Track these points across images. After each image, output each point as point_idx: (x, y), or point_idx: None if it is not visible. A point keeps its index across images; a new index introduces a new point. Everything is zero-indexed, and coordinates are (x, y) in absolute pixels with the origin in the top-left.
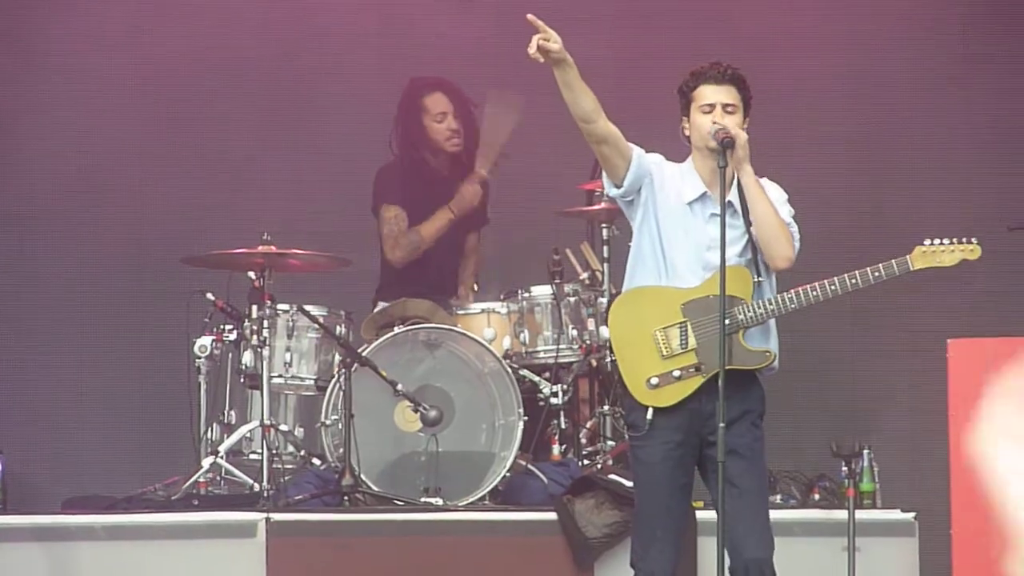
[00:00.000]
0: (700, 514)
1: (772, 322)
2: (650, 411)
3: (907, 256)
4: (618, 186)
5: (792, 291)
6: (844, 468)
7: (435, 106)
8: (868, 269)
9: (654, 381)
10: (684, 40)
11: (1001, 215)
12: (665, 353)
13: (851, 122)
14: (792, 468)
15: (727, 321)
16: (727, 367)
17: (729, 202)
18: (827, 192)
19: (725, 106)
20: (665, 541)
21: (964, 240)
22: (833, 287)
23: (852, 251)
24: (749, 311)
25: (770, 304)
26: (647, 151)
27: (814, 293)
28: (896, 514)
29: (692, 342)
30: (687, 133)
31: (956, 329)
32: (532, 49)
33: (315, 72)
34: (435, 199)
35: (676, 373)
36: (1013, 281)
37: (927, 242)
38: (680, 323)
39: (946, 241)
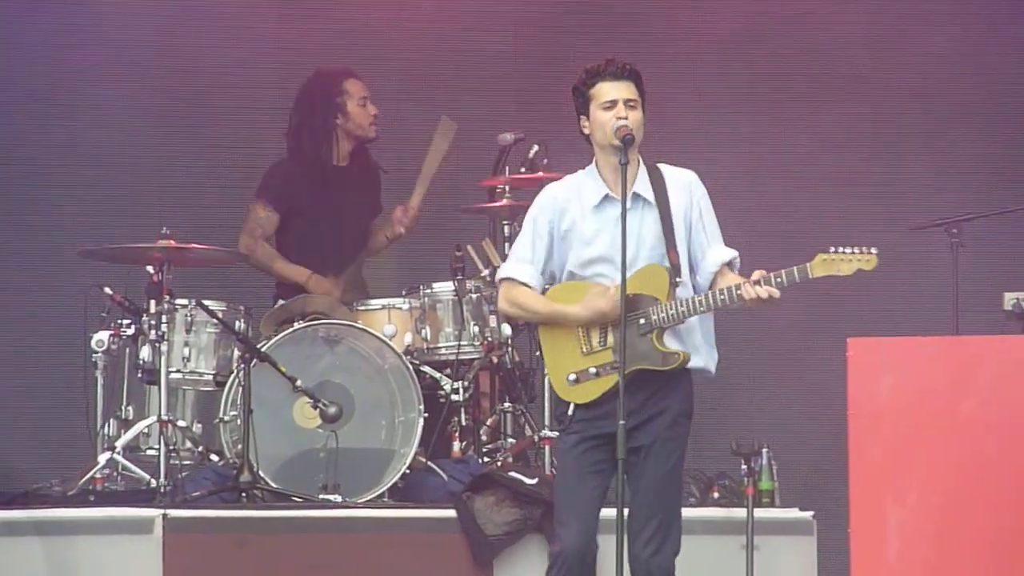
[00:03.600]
0: (604, 511)
1: (701, 324)
2: (571, 406)
3: (808, 264)
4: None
5: (702, 295)
6: (743, 467)
7: (358, 91)
8: (771, 275)
9: (572, 377)
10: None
11: (903, 215)
12: (585, 350)
13: (755, 125)
14: (692, 467)
15: (641, 320)
16: (639, 367)
17: (636, 194)
18: (735, 197)
19: (627, 101)
20: (577, 526)
21: (864, 249)
22: (738, 291)
23: (758, 255)
24: (662, 311)
25: (681, 306)
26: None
27: (721, 297)
28: (795, 513)
29: (611, 340)
30: (587, 132)
31: (856, 328)
32: None
33: (216, 66)
34: (332, 192)
35: (593, 370)
36: (914, 281)
37: (831, 249)
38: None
39: (847, 249)
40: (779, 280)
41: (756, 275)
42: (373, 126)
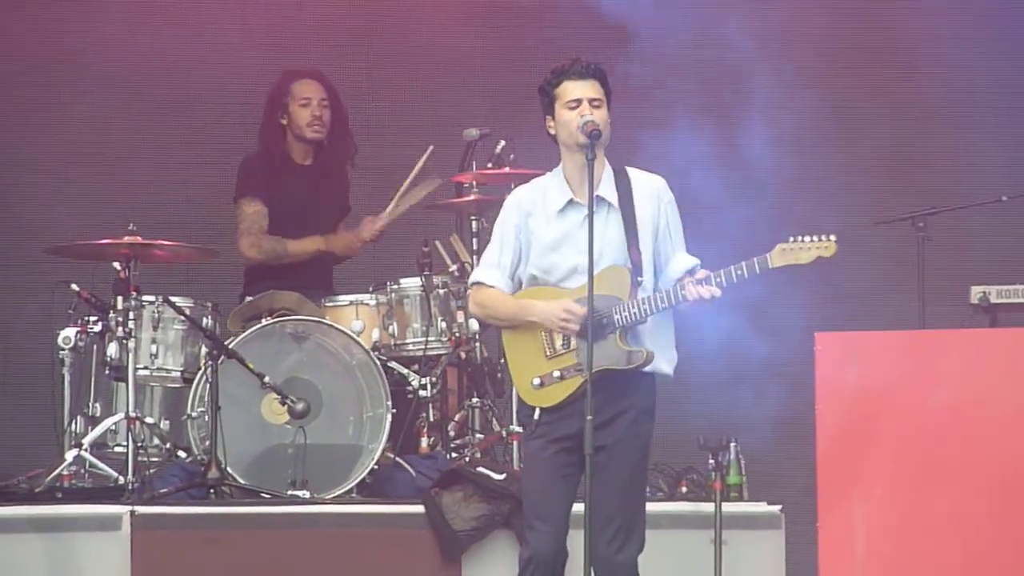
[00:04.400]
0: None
1: (659, 324)
2: (537, 410)
3: (767, 255)
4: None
5: (664, 291)
6: (711, 461)
7: (301, 92)
8: (732, 268)
9: (536, 382)
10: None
11: (869, 209)
12: (549, 354)
13: (718, 120)
14: (660, 461)
15: (603, 321)
16: (604, 367)
17: (600, 197)
18: (700, 191)
19: (591, 100)
20: (546, 532)
21: (823, 237)
22: (682, 290)
23: (724, 249)
24: (624, 311)
25: (643, 304)
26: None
27: (682, 292)
28: (762, 507)
29: (574, 342)
30: (552, 132)
31: (824, 322)
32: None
33: (184, 63)
34: (295, 190)
35: (557, 373)
36: (880, 275)
37: (790, 239)
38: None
39: (805, 238)
40: (739, 272)
41: (700, 274)
42: (312, 127)
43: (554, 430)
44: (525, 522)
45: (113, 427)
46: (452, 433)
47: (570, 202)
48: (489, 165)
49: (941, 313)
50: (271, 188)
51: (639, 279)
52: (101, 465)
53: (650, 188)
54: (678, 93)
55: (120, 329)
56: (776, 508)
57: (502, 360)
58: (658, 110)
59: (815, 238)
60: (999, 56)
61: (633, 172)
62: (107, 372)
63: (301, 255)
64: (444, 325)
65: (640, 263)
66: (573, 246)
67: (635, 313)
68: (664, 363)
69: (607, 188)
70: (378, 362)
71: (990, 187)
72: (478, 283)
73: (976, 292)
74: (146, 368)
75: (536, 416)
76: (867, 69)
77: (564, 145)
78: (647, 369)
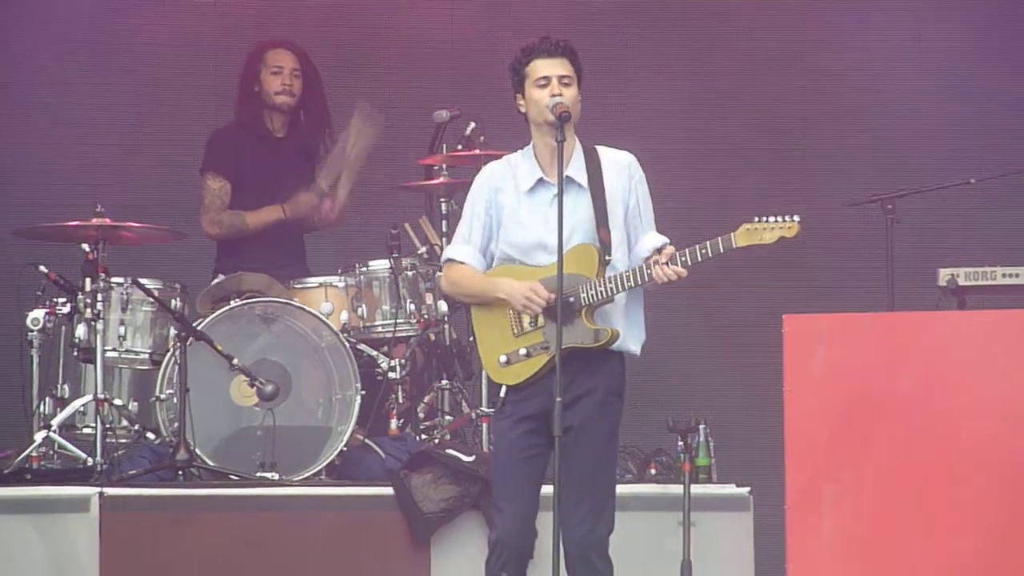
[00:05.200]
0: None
1: (628, 303)
2: (503, 388)
3: (731, 234)
4: None
5: (629, 270)
6: (680, 443)
7: (273, 60)
8: (696, 247)
9: (503, 359)
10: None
11: (838, 191)
12: (516, 331)
13: (690, 101)
14: (629, 443)
15: (571, 299)
16: (570, 345)
17: (569, 177)
18: (667, 171)
19: (561, 78)
20: (513, 512)
21: (787, 217)
22: (648, 270)
23: (689, 230)
24: (591, 289)
25: (610, 282)
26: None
27: (648, 271)
28: (731, 488)
29: (541, 320)
30: (523, 110)
31: (792, 304)
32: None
33: (152, 43)
34: (265, 161)
35: (523, 351)
36: (849, 257)
37: (755, 219)
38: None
39: (770, 219)
40: (703, 251)
41: (667, 252)
42: (280, 95)
43: (521, 409)
44: (494, 503)
45: (82, 409)
46: (421, 415)
47: (540, 180)
48: (459, 147)
49: (910, 295)
50: (239, 160)
51: (607, 258)
52: (70, 447)
53: (620, 163)
54: (651, 71)
55: (89, 311)
56: (745, 490)
57: (471, 338)
58: (631, 87)
59: (779, 218)
60: (968, 39)
61: (603, 150)
62: (76, 354)
63: (261, 226)
64: (413, 307)
65: (609, 242)
66: (542, 224)
67: (601, 292)
68: (632, 342)
69: (576, 167)
70: (347, 344)
71: (958, 170)
72: (450, 260)
73: (944, 274)
74: (115, 350)
75: (503, 394)
76: (836, 51)
77: (534, 123)
78: (614, 348)
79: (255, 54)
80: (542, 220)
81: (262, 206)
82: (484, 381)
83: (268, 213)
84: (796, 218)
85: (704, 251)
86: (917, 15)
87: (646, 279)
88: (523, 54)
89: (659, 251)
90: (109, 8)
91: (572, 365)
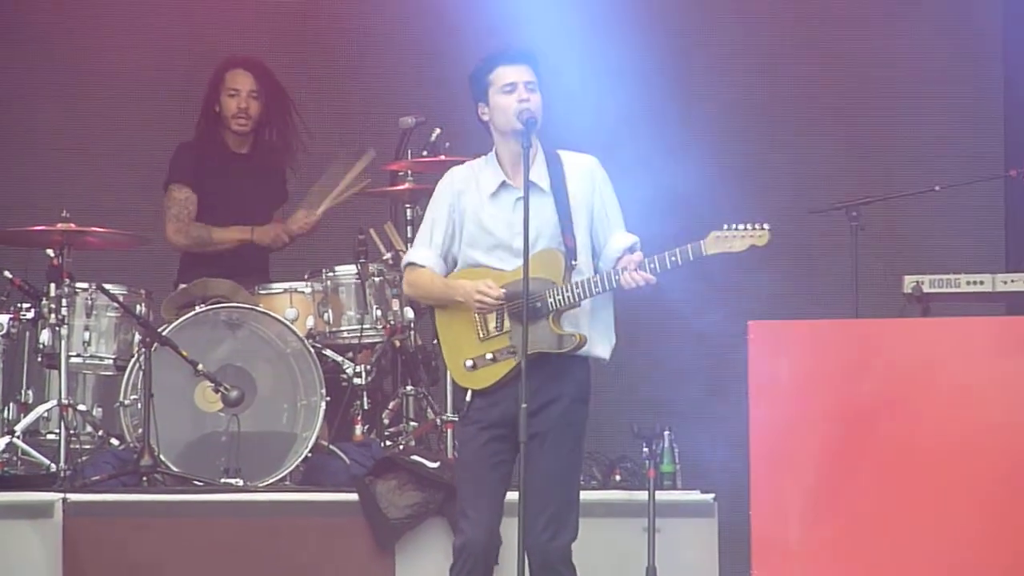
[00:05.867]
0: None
1: (597, 307)
2: (469, 393)
3: (701, 241)
4: None
5: (599, 274)
6: (645, 449)
7: (232, 82)
8: (666, 254)
9: (469, 363)
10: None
11: (803, 198)
12: (482, 336)
13: (655, 109)
14: (594, 449)
15: (538, 304)
16: (537, 350)
17: (532, 182)
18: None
19: (527, 84)
20: (477, 518)
21: (756, 226)
22: (617, 276)
23: (658, 240)
24: (558, 294)
25: (577, 288)
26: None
27: (616, 277)
28: (696, 495)
29: (507, 324)
30: (486, 118)
31: (757, 311)
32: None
33: (121, 47)
34: (228, 179)
35: (489, 356)
36: (814, 264)
37: (724, 227)
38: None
39: (740, 226)
40: (673, 259)
41: (635, 258)
42: (237, 119)
43: (486, 416)
44: (459, 510)
45: (46, 414)
46: (386, 421)
47: (503, 184)
48: (424, 153)
49: (874, 302)
50: (202, 176)
51: (573, 263)
52: (33, 452)
53: (583, 167)
54: (614, 74)
55: (53, 316)
56: (709, 496)
57: (435, 341)
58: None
59: (749, 226)
60: (935, 46)
61: (565, 155)
62: (40, 359)
63: (226, 244)
64: (379, 313)
65: (574, 247)
66: (505, 228)
67: (568, 297)
68: (599, 347)
69: (539, 173)
70: (312, 350)
71: (923, 177)
72: (411, 264)
73: (909, 282)
74: (79, 355)
75: (468, 399)
76: (805, 59)
77: (499, 131)
78: (582, 353)
79: (216, 73)
80: (505, 224)
81: (223, 222)
82: (449, 387)
83: (236, 232)
84: (766, 226)
85: (673, 258)
86: (883, 21)
87: (614, 285)
88: (485, 62)
89: (630, 251)
90: (75, 10)
91: (538, 371)
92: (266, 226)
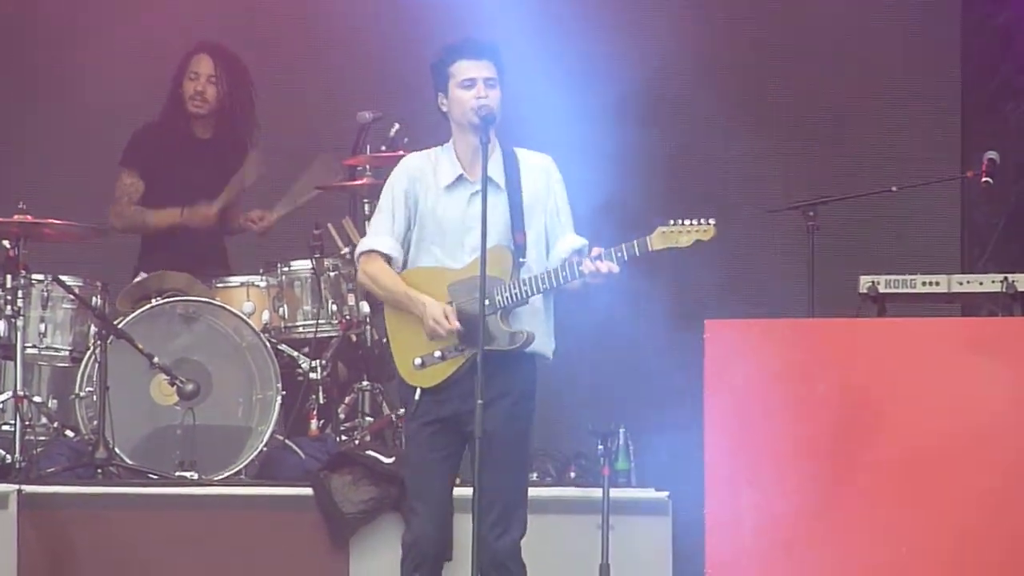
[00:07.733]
0: (456, 491)
1: (541, 307)
2: (418, 391)
3: (647, 237)
4: None
5: (547, 271)
6: (600, 446)
7: (192, 65)
8: (611, 249)
9: (418, 361)
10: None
11: (759, 198)
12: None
13: (611, 106)
14: (549, 446)
15: (486, 302)
16: (486, 348)
17: (488, 177)
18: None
19: (486, 80)
20: (426, 514)
21: (702, 221)
22: (579, 266)
23: (611, 238)
24: (506, 291)
25: (524, 285)
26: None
27: (563, 272)
28: (650, 493)
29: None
30: (445, 109)
31: (713, 310)
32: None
33: (80, 36)
34: (183, 162)
35: (438, 353)
36: (770, 263)
37: (670, 222)
38: (447, 303)
39: (685, 222)
40: (619, 255)
41: (595, 251)
42: (192, 101)
43: (433, 411)
44: (407, 505)
45: (1, 405)
46: (342, 416)
47: (460, 177)
48: (383, 148)
49: (830, 302)
50: (157, 159)
51: (521, 260)
52: None
53: (538, 166)
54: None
55: (9, 307)
56: (664, 494)
57: (384, 340)
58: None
59: (694, 221)
60: (893, 47)
61: (521, 152)
62: None
63: (159, 227)
64: (335, 308)
65: (524, 245)
66: (459, 222)
67: (516, 294)
68: (545, 345)
69: (495, 169)
70: (268, 344)
71: (880, 177)
72: (371, 251)
73: (865, 282)
74: (34, 347)
75: (417, 396)
76: (763, 59)
77: (456, 124)
78: (528, 350)
79: (184, 57)
80: (458, 218)
81: (178, 204)
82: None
83: (168, 215)
84: (711, 221)
85: (619, 253)
86: (839, 24)
87: (561, 281)
88: (446, 53)
89: (579, 253)
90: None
91: (486, 368)
92: (196, 206)
